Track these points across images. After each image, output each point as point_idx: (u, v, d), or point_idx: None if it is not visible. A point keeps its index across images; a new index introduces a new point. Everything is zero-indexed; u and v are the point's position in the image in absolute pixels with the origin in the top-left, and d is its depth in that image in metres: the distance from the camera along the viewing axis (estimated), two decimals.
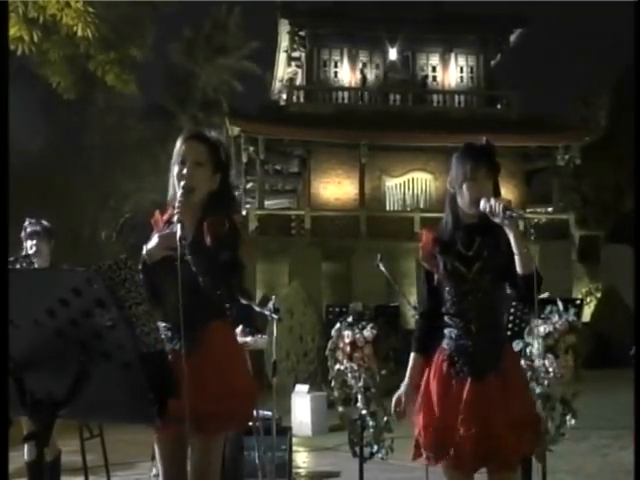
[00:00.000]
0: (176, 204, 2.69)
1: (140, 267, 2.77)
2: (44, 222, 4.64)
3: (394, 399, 2.94)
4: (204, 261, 2.65)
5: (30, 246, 4.52)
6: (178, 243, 2.60)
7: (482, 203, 2.65)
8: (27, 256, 4.48)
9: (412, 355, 2.93)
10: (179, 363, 2.62)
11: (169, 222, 2.89)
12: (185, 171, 2.75)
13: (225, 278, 2.67)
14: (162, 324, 2.79)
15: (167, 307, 2.79)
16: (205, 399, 2.59)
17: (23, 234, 4.55)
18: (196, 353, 2.64)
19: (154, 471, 4.57)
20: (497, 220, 2.62)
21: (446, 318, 2.81)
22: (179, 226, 2.62)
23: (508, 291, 2.78)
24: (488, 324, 2.74)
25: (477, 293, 2.74)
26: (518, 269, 2.62)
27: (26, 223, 4.57)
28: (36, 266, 4.43)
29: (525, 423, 2.67)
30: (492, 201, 2.64)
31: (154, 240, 2.77)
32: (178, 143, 2.83)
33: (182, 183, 2.72)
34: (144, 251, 2.79)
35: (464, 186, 2.75)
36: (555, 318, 4.37)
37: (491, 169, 2.75)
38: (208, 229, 2.68)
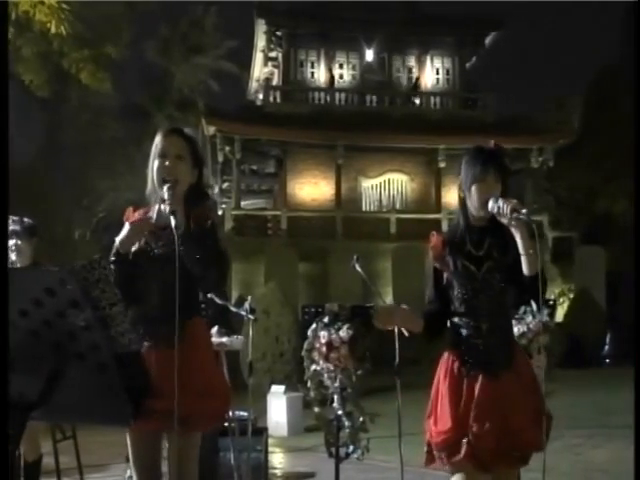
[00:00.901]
0: (165, 196, 2.71)
1: (113, 259, 2.78)
2: (26, 220, 4.55)
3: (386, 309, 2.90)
4: (194, 252, 2.67)
5: (10, 246, 4.44)
6: (174, 232, 2.62)
7: (490, 203, 2.69)
8: (12, 261, 4.40)
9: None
10: (159, 359, 2.63)
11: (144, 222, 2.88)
12: (167, 164, 2.79)
13: (218, 266, 2.71)
14: (147, 317, 2.78)
15: (146, 301, 2.79)
16: (186, 396, 2.58)
17: (9, 229, 4.45)
18: (178, 349, 2.62)
19: (128, 473, 4.53)
20: (504, 221, 2.65)
21: (456, 319, 2.82)
22: (172, 217, 2.64)
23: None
24: (498, 323, 2.77)
25: (487, 292, 2.76)
26: (524, 270, 2.64)
27: (9, 220, 4.49)
28: (18, 266, 4.36)
29: (540, 419, 2.68)
30: (500, 201, 2.67)
31: (126, 228, 2.78)
32: (158, 138, 2.87)
33: (165, 175, 2.76)
34: (116, 242, 2.80)
35: (473, 188, 2.78)
36: (529, 318, 4.42)
37: (500, 171, 2.78)
38: (194, 220, 2.72)
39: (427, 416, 2.83)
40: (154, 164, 2.83)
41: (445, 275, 2.85)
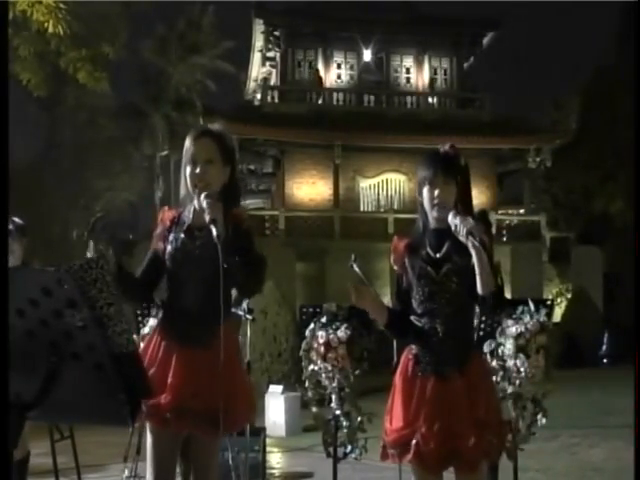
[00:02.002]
0: (204, 205, 2.67)
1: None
2: (16, 219, 4.55)
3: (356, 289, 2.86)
4: (234, 256, 2.63)
5: None
6: (217, 241, 2.59)
7: (450, 217, 2.71)
8: None
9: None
10: (191, 359, 2.66)
11: (176, 221, 2.87)
12: (198, 170, 2.78)
13: (258, 270, 2.72)
14: (177, 319, 2.80)
15: (182, 301, 2.80)
16: (217, 397, 2.59)
17: None
18: (212, 351, 2.64)
19: (126, 473, 4.53)
20: (461, 239, 2.67)
21: (414, 319, 2.83)
22: (213, 225, 2.61)
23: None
24: (454, 325, 2.77)
25: (444, 295, 2.76)
26: (478, 289, 2.65)
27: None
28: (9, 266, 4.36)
29: (487, 426, 2.68)
30: (458, 220, 2.69)
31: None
32: (188, 142, 2.86)
33: (197, 182, 2.75)
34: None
35: (423, 191, 2.83)
36: (526, 318, 4.41)
37: (450, 175, 2.80)
38: (232, 222, 2.70)
39: (385, 413, 2.86)
40: (186, 170, 2.83)
41: (404, 278, 2.88)
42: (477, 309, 2.88)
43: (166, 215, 2.94)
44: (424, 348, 2.79)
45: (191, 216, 2.81)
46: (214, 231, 2.61)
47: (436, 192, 2.77)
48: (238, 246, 2.66)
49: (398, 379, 2.82)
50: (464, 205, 2.82)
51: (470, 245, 2.65)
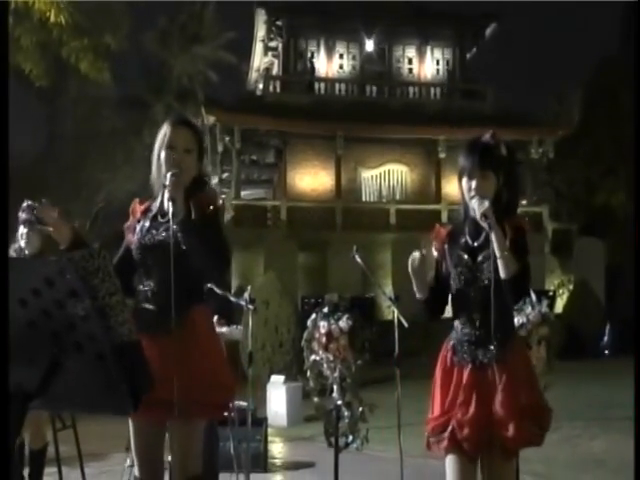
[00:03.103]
0: (167, 182, 2.70)
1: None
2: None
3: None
4: (195, 238, 2.65)
5: (21, 234, 4.41)
6: (171, 219, 2.62)
7: (473, 202, 2.72)
8: (21, 249, 4.38)
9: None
10: (159, 346, 2.63)
11: (146, 211, 2.89)
12: (175, 157, 2.78)
13: (220, 253, 2.70)
14: (144, 305, 2.79)
15: (149, 287, 2.79)
16: (187, 384, 2.58)
17: (19, 217, 4.41)
18: (180, 337, 2.63)
19: (128, 462, 4.54)
20: (480, 223, 2.68)
21: (452, 309, 2.85)
22: (171, 203, 2.64)
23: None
24: (490, 314, 2.72)
25: (480, 283, 2.75)
26: (501, 273, 2.65)
27: (24, 205, 4.43)
28: (26, 253, 4.36)
29: (528, 413, 2.67)
30: (476, 202, 2.70)
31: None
32: (166, 128, 2.86)
33: (172, 170, 2.74)
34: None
35: (462, 182, 2.82)
36: (528, 310, 4.41)
37: (488, 165, 2.77)
38: (195, 207, 2.71)
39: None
40: (161, 153, 2.82)
41: (444, 265, 2.87)
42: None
43: (137, 207, 2.95)
44: (461, 338, 2.79)
45: (157, 204, 2.83)
46: (170, 208, 2.62)
47: (473, 183, 2.75)
48: (200, 229, 2.66)
49: (437, 370, 2.83)
50: (508, 196, 2.81)
51: (486, 227, 2.65)
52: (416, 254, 2.80)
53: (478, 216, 2.68)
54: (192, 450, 2.77)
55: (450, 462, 2.76)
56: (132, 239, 2.89)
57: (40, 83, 9.56)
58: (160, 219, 2.80)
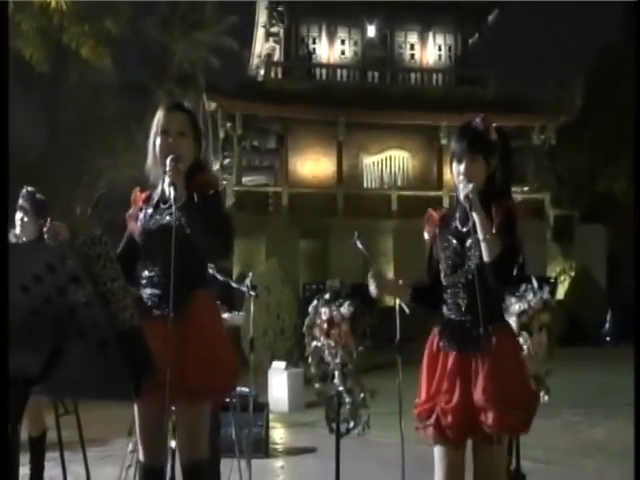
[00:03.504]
0: (167, 167, 2.70)
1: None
2: (38, 196, 4.44)
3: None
4: (197, 221, 2.66)
5: (17, 221, 4.37)
6: (172, 204, 2.63)
7: (460, 185, 2.74)
8: (17, 236, 4.35)
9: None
10: (162, 331, 2.63)
11: (147, 200, 2.89)
12: (170, 141, 2.78)
13: (222, 234, 2.70)
14: (149, 290, 2.80)
15: (154, 273, 2.80)
16: (191, 368, 2.59)
17: (18, 203, 4.38)
18: (183, 321, 2.65)
19: (130, 447, 4.56)
20: (463, 204, 2.70)
21: (442, 294, 2.84)
22: (172, 188, 2.64)
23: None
24: (476, 300, 2.70)
25: (467, 268, 2.74)
26: (484, 256, 2.64)
27: (23, 191, 4.40)
28: (24, 240, 4.32)
29: (510, 400, 2.65)
30: (461, 184, 2.71)
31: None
32: (159, 113, 2.86)
33: (168, 154, 2.74)
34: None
35: (452, 167, 2.82)
36: (530, 296, 4.40)
37: (478, 150, 2.75)
38: (196, 188, 2.71)
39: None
40: (156, 140, 2.82)
41: (434, 249, 2.88)
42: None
43: (138, 195, 2.96)
44: (447, 324, 2.79)
45: (159, 191, 2.83)
46: (172, 194, 2.63)
47: (462, 167, 2.75)
48: (202, 211, 2.66)
49: (425, 355, 2.84)
50: (500, 180, 2.80)
51: (467, 208, 2.66)
52: (371, 279, 2.87)
53: (462, 198, 2.69)
54: (198, 433, 2.78)
55: (437, 449, 2.78)
56: (134, 227, 2.90)
57: (41, 69, 9.53)
58: (162, 205, 2.80)
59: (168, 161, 2.71)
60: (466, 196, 2.66)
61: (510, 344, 2.81)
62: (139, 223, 2.87)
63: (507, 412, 2.64)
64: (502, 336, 2.74)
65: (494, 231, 2.65)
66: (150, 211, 2.85)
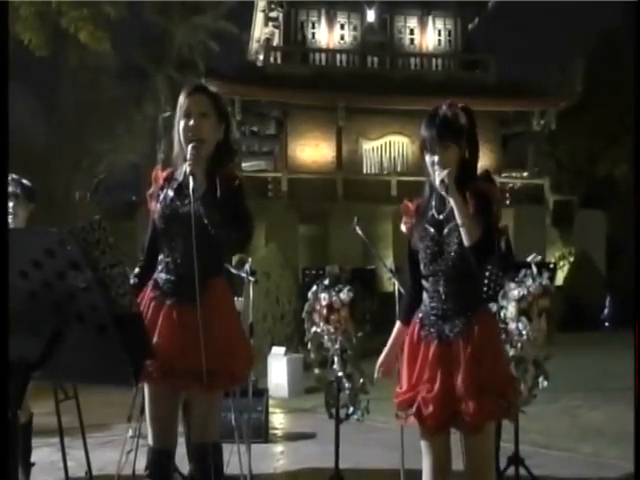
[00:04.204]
0: (188, 156, 2.69)
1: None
2: (25, 182, 4.46)
3: (377, 364, 3.06)
4: (218, 212, 2.64)
5: (10, 209, 4.36)
6: (191, 195, 2.62)
7: (436, 173, 2.71)
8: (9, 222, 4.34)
9: (397, 323, 3.01)
10: (182, 317, 2.64)
11: (169, 179, 2.88)
12: (192, 123, 2.77)
13: (243, 227, 2.69)
14: (162, 275, 2.80)
15: (171, 259, 2.80)
16: (207, 354, 2.60)
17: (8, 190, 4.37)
18: (200, 308, 2.65)
19: (130, 432, 4.58)
20: (440, 192, 2.69)
21: (423, 282, 2.83)
22: (191, 178, 2.63)
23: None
24: (457, 288, 2.73)
25: (447, 256, 2.73)
26: (464, 240, 2.63)
27: (9, 178, 4.40)
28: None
29: (492, 387, 2.65)
30: (436, 173, 2.68)
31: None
32: (181, 98, 2.85)
33: (190, 135, 2.74)
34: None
35: (425, 156, 2.77)
36: (529, 282, 4.41)
37: (449, 137, 2.71)
38: (221, 179, 2.70)
39: (397, 375, 2.91)
40: (179, 125, 2.81)
41: (413, 240, 2.85)
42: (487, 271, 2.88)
43: (159, 174, 2.94)
44: (428, 312, 2.78)
45: (182, 174, 2.80)
46: (191, 184, 2.62)
47: (435, 158, 2.71)
48: (225, 203, 2.65)
49: (405, 343, 2.83)
50: (469, 166, 2.76)
51: (444, 194, 2.65)
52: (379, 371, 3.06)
53: (437, 184, 2.67)
54: (211, 418, 2.80)
55: (421, 438, 2.78)
56: (153, 207, 2.89)
57: (39, 53, 9.48)
58: (185, 190, 2.76)
59: (189, 148, 2.70)
60: (442, 181, 2.64)
61: (490, 330, 2.80)
62: (159, 205, 2.85)
63: (486, 399, 2.63)
64: (482, 323, 2.73)
65: (471, 213, 2.63)
66: (171, 194, 2.83)
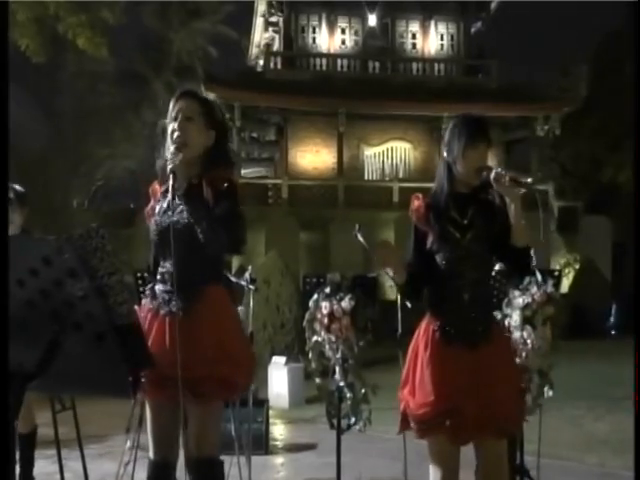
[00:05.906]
0: (169, 155, 2.69)
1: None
2: (17, 187, 4.47)
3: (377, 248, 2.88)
4: (202, 211, 2.62)
5: None
6: (171, 192, 2.61)
7: (494, 172, 2.69)
8: None
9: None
10: (179, 327, 2.61)
11: (166, 192, 2.83)
12: (176, 126, 2.76)
13: (228, 229, 2.63)
14: (159, 286, 2.78)
15: (165, 269, 2.77)
16: (204, 364, 2.57)
17: None
18: (194, 316, 2.63)
19: (128, 443, 4.52)
20: (500, 190, 2.68)
21: (438, 286, 2.78)
22: (172, 176, 2.62)
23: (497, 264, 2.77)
24: (480, 293, 2.74)
25: (470, 261, 2.72)
26: (513, 240, 2.63)
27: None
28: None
29: (519, 392, 2.76)
30: (502, 171, 2.68)
31: None
32: (171, 103, 2.85)
33: (174, 138, 2.73)
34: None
35: (465, 154, 2.74)
36: (533, 289, 4.36)
37: (488, 140, 2.79)
38: (207, 183, 2.67)
39: (401, 386, 2.80)
40: (168, 129, 2.81)
41: (429, 240, 2.80)
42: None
43: (156, 189, 2.92)
44: (451, 317, 2.73)
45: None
46: (170, 181, 2.61)
47: (479, 155, 2.74)
48: (215, 205, 2.62)
49: (422, 351, 2.74)
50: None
51: (502, 190, 2.67)
52: (378, 247, 2.81)
53: (506, 181, 2.67)
54: (208, 431, 2.73)
55: (436, 448, 2.71)
56: (152, 222, 2.88)
57: (36, 60, 9.46)
58: (177, 200, 2.73)
59: (171, 149, 2.71)
60: (495, 178, 2.65)
61: (506, 336, 2.94)
62: (153, 218, 2.85)
63: (521, 402, 2.75)
64: (499, 329, 2.83)
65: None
66: (165, 205, 2.81)
